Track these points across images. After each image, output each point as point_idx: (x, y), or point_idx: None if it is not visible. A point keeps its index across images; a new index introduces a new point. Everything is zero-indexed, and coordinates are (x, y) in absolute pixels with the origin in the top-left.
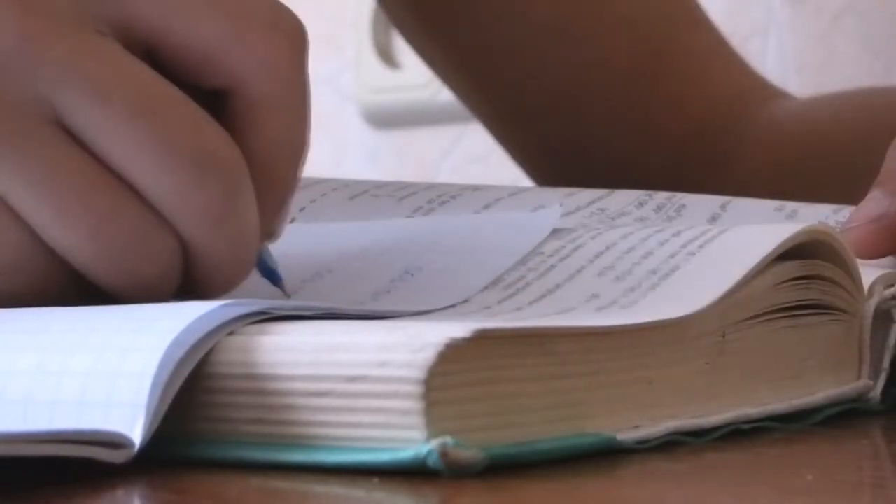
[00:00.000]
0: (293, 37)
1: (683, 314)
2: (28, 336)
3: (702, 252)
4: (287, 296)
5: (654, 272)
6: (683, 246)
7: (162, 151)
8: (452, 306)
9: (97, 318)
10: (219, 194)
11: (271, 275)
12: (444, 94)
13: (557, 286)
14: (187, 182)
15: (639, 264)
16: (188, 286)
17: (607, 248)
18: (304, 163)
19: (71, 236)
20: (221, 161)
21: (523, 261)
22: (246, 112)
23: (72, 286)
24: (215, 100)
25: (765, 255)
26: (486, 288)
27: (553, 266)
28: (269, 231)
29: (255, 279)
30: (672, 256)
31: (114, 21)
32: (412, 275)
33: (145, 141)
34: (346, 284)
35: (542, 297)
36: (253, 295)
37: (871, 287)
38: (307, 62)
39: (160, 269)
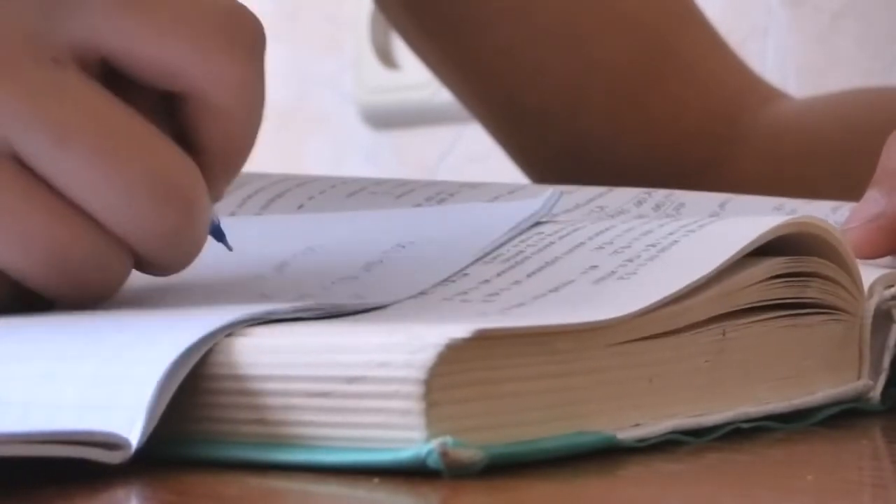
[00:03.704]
0: (252, 46)
1: (681, 286)
2: (30, 348)
3: (702, 231)
4: (230, 249)
5: (653, 245)
6: (683, 226)
7: (121, 186)
8: (452, 280)
9: (102, 332)
10: (176, 218)
11: (216, 233)
12: (442, 95)
13: (556, 258)
14: (147, 213)
15: (638, 240)
16: (143, 269)
17: (607, 228)
18: (255, 141)
19: (30, 265)
20: (180, 186)
21: (522, 238)
22: (201, 117)
23: (13, 293)
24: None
25: (760, 234)
26: (484, 261)
27: (552, 242)
28: (216, 196)
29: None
30: (671, 234)
31: (73, 42)
32: (403, 247)
33: (105, 180)
34: (338, 257)
35: (541, 269)
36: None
37: (872, 287)
38: (264, 64)
39: (114, 284)
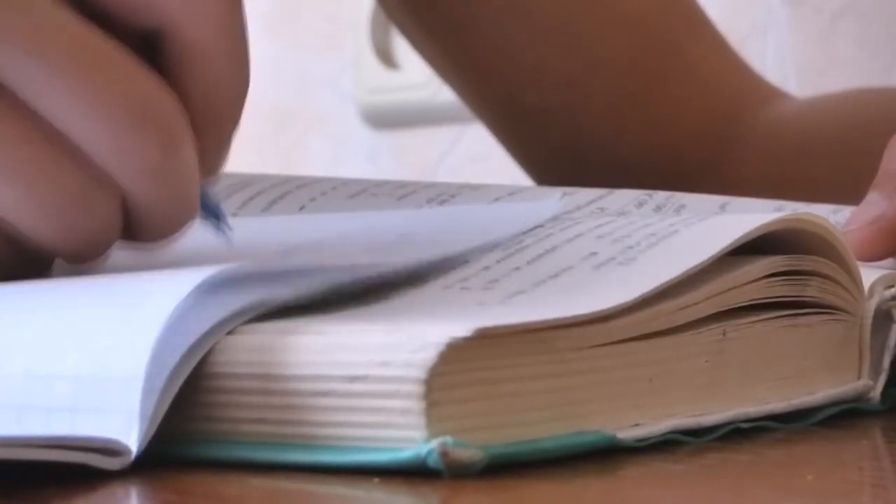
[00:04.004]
0: None
1: (681, 271)
2: (11, 332)
3: (703, 223)
4: (230, 229)
5: (653, 234)
6: (684, 219)
7: (98, 106)
8: (452, 268)
9: (79, 303)
10: (157, 147)
11: (214, 212)
12: (442, 95)
13: (556, 247)
14: (125, 136)
15: (638, 230)
16: (129, 234)
17: (607, 222)
18: (245, 98)
19: (8, 193)
20: (159, 114)
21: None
22: (181, 56)
23: (10, 251)
24: (151, 42)
25: (761, 224)
26: (484, 251)
27: (552, 234)
28: (210, 168)
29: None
30: (672, 225)
31: None
32: (406, 239)
33: (81, 96)
34: (339, 246)
35: (541, 256)
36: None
37: (872, 287)
38: (242, 6)
39: (100, 224)
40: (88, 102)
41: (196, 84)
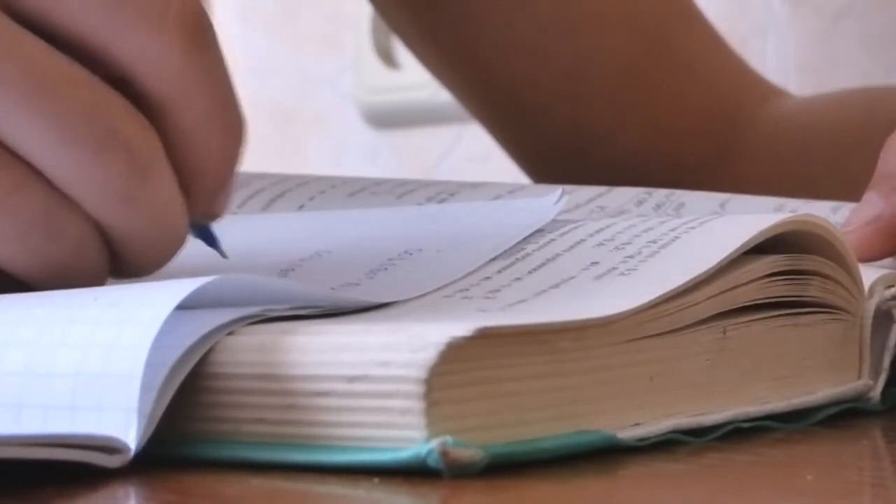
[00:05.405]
0: (186, 26)
1: (682, 282)
2: (9, 327)
3: (702, 227)
4: (224, 257)
5: (654, 242)
6: (684, 223)
7: (58, 129)
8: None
9: (78, 301)
10: (121, 171)
11: (205, 234)
12: (442, 95)
13: (557, 255)
14: (86, 159)
15: (639, 236)
16: (119, 268)
17: (608, 225)
18: (240, 144)
19: None
20: (123, 137)
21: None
22: (146, 104)
23: None
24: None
25: (762, 229)
26: (485, 258)
27: (553, 240)
28: (207, 211)
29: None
30: (672, 230)
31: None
32: (411, 254)
33: (40, 118)
34: (344, 264)
35: (542, 265)
36: (194, 266)
37: (872, 287)
38: (210, 50)
39: (69, 250)
40: (47, 125)
41: (167, 130)
